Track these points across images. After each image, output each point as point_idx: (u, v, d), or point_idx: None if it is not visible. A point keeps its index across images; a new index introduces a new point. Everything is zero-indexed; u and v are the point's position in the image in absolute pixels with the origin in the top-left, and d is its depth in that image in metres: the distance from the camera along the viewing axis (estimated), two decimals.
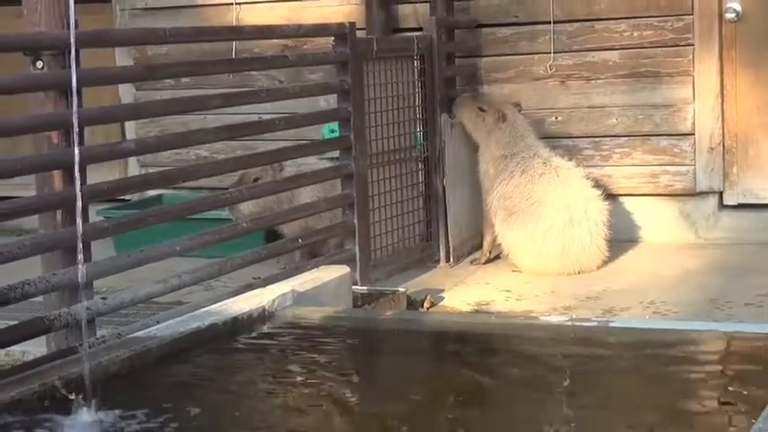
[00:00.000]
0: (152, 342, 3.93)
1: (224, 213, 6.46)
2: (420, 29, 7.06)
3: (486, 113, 6.71)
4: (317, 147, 6.49)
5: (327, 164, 6.61)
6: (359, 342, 4.44)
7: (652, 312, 5.58)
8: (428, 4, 7.19)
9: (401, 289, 5.77)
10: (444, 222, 6.77)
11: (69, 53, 4.24)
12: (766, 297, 5.75)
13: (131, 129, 8.14)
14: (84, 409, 3.40)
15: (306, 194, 6.47)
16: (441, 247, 6.79)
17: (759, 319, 5.35)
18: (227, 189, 5.97)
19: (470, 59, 7.40)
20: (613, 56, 7.14)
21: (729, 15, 6.93)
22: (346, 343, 4.38)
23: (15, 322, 4.17)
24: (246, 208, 6.44)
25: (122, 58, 8.12)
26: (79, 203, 4.11)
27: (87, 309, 4.24)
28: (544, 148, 6.67)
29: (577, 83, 7.23)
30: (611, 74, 7.15)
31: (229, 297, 4.65)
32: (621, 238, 6.88)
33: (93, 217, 5.69)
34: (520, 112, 6.81)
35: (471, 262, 6.81)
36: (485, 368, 3.95)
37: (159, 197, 7.75)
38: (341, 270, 5.10)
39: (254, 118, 6.26)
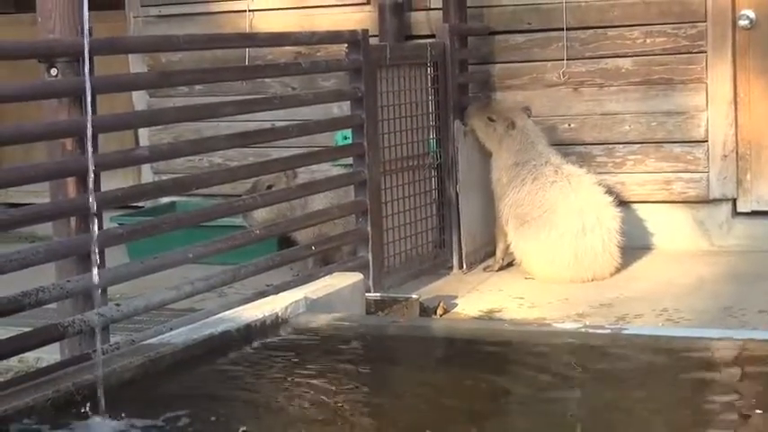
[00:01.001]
0: (165, 349, 3.94)
1: (237, 220, 6.47)
2: (433, 36, 7.06)
3: (495, 122, 6.71)
4: (330, 154, 6.49)
5: (341, 171, 6.61)
6: (372, 349, 4.44)
7: (665, 320, 5.57)
8: (441, 12, 7.19)
9: (414, 296, 5.77)
10: (457, 229, 6.77)
11: (83, 60, 4.26)
12: None
13: (145, 136, 8.16)
14: (98, 415, 3.41)
15: (319, 201, 6.47)
16: (454, 253, 6.79)
17: None
18: (240, 196, 5.98)
19: (483, 66, 7.40)
20: (626, 63, 7.13)
21: (743, 22, 6.92)
22: (359, 350, 4.38)
23: (29, 329, 4.18)
24: (260, 215, 6.44)
25: (136, 65, 8.14)
26: (93, 210, 4.13)
27: (101, 315, 4.25)
28: (555, 155, 6.66)
29: (590, 90, 7.22)
30: (624, 81, 7.14)
31: (242, 304, 4.65)
32: (634, 246, 6.87)
33: (107, 224, 5.70)
34: (529, 117, 6.81)
35: (484, 269, 6.81)
36: (497, 375, 3.95)
37: (173, 204, 7.77)
38: (354, 277, 5.10)
39: (268, 125, 6.27)
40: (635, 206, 7.15)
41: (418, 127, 6.62)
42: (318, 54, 7.61)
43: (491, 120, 6.73)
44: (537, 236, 6.43)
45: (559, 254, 6.39)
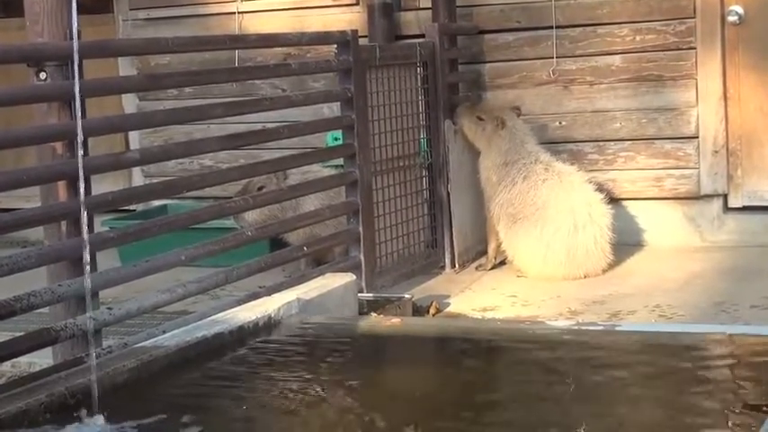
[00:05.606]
0: (158, 351, 3.93)
1: (229, 222, 6.46)
2: (422, 36, 7.05)
3: (485, 122, 6.71)
4: (321, 155, 6.49)
5: (332, 172, 6.61)
6: (365, 349, 4.44)
7: (658, 316, 5.57)
8: (430, 11, 7.19)
9: (407, 296, 5.76)
10: (449, 229, 6.77)
11: (72, 64, 4.25)
12: None
13: (135, 139, 8.15)
14: (91, 419, 3.40)
15: (310, 202, 6.47)
16: (446, 253, 6.79)
17: (765, 322, 5.35)
18: (231, 198, 5.98)
19: (473, 65, 7.40)
20: (616, 60, 7.14)
21: (731, 18, 6.92)
22: (353, 350, 4.38)
23: (22, 333, 4.17)
24: (251, 216, 6.43)
25: (125, 68, 8.14)
26: (84, 214, 4.12)
27: (93, 319, 4.24)
28: (545, 154, 6.66)
29: (581, 87, 7.23)
30: (614, 78, 7.15)
31: (235, 306, 4.65)
32: (626, 242, 6.88)
33: (99, 227, 5.69)
34: (519, 116, 6.81)
35: (476, 268, 6.81)
36: (490, 373, 3.96)
37: (164, 207, 7.76)
38: (346, 277, 5.10)
39: (258, 127, 6.26)
40: (626, 203, 7.16)
41: (409, 127, 6.62)
42: (308, 55, 7.61)
43: (480, 119, 6.73)
44: (529, 234, 6.43)
45: (552, 251, 6.39)
